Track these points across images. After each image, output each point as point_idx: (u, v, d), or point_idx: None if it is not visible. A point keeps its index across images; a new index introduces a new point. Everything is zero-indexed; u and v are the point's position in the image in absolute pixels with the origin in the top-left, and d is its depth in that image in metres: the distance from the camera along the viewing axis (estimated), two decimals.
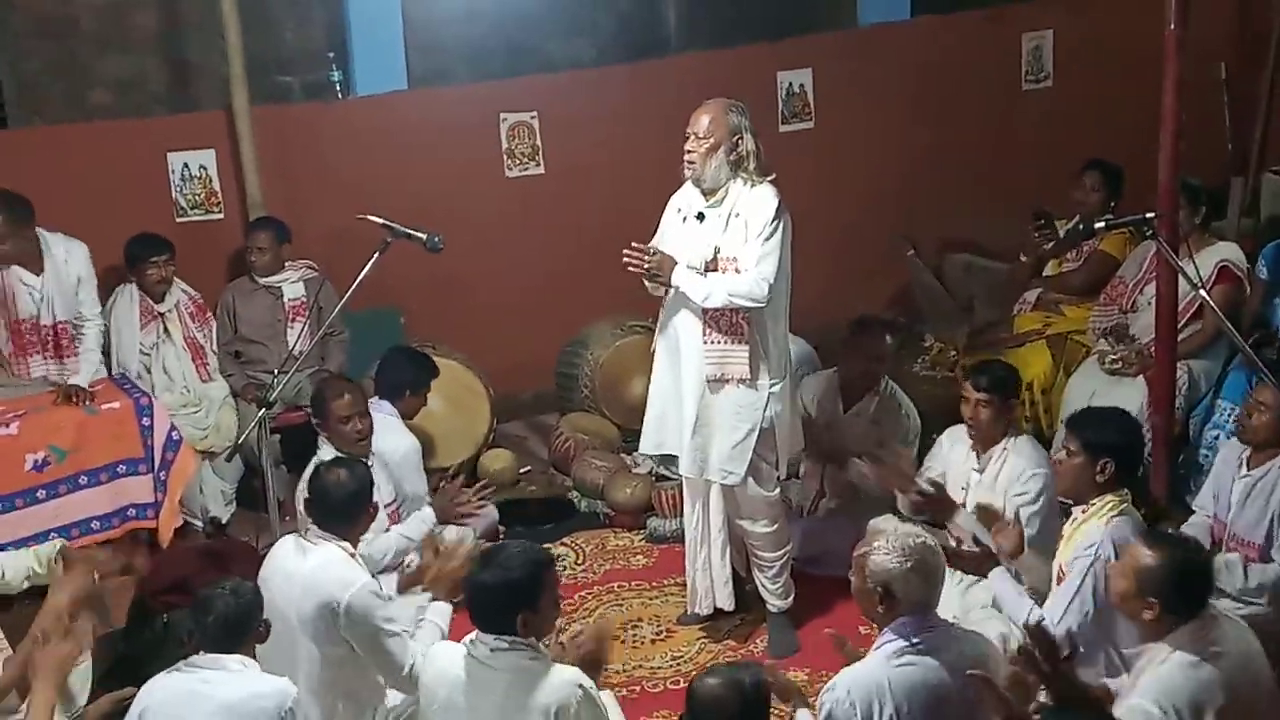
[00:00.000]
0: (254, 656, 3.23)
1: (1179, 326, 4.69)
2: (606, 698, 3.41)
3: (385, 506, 4.41)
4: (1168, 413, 4.57)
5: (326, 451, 4.47)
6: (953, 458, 4.38)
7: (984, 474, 4.24)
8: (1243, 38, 7.33)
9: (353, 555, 3.71)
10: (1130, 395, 4.89)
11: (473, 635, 3.20)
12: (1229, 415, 4.82)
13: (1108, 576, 3.25)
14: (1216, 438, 4.84)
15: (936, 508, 4.19)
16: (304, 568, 3.62)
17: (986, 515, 4.12)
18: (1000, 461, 4.21)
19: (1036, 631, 2.90)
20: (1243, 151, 7.07)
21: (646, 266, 3.99)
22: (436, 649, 3.35)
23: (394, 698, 3.69)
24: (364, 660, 3.54)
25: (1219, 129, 7.16)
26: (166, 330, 5.40)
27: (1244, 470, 4.14)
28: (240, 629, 3.19)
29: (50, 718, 3.26)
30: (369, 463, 4.44)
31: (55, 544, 4.00)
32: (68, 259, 4.97)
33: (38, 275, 4.94)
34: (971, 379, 4.34)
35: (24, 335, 4.99)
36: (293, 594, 3.56)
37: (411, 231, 4.19)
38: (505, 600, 3.11)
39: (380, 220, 4.18)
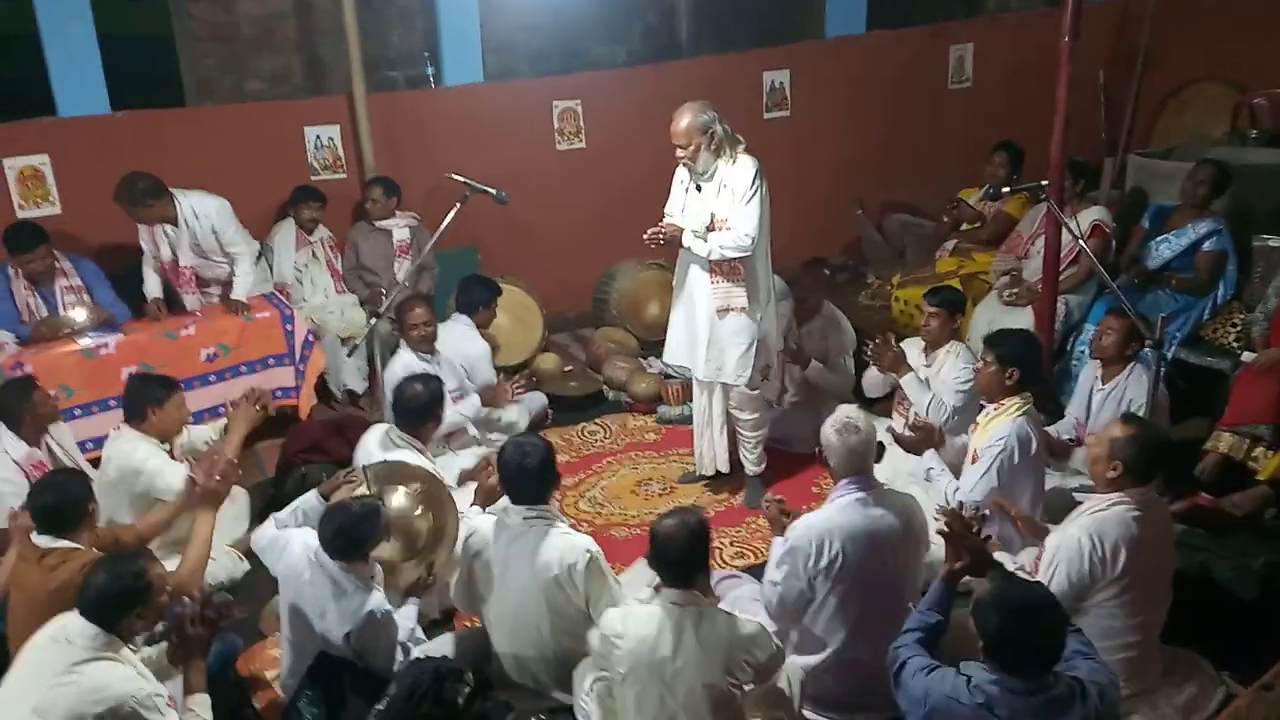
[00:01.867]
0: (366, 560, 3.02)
1: (1060, 270, 4.58)
2: None
3: (450, 394, 4.33)
4: (1049, 334, 4.49)
5: (404, 350, 4.46)
6: (909, 355, 4.27)
7: (931, 368, 4.17)
8: (1117, 52, 7.07)
9: (422, 452, 3.65)
10: (1021, 321, 4.77)
11: (505, 506, 3.12)
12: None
13: (1087, 445, 3.19)
14: (1083, 353, 4.75)
15: (897, 366, 4.11)
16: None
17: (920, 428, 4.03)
18: (943, 363, 4.14)
19: (952, 513, 2.77)
20: (1113, 139, 6.89)
21: (661, 241, 3.94)
22: (478, 521, 3.22)
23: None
24: None
25: (1096, 121, 6.95)
26: (314, 255, 5.40)
27: (1100, 385, 4.07)
28: (359, 542, 2.97)
29: (210, 539, 3.28)
30: (436, 363, 4.44)
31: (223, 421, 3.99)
32: (196, 214, 4.79)
33: (176, 228, 4.83)
34: (926, 297, 4.25)
35: (170, 273, 4.91)
36: None
37: (485, 187, 4.09)
38: (535, 480, 3.06)
39: (461, 178, 4.08)
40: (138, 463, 3.59)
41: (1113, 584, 2.83)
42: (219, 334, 4.69)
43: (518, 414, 4.77)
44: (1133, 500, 2.88)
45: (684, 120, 3.85)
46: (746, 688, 2.72)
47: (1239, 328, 4.64)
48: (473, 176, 4.14)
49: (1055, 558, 2.87)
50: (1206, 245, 4.79)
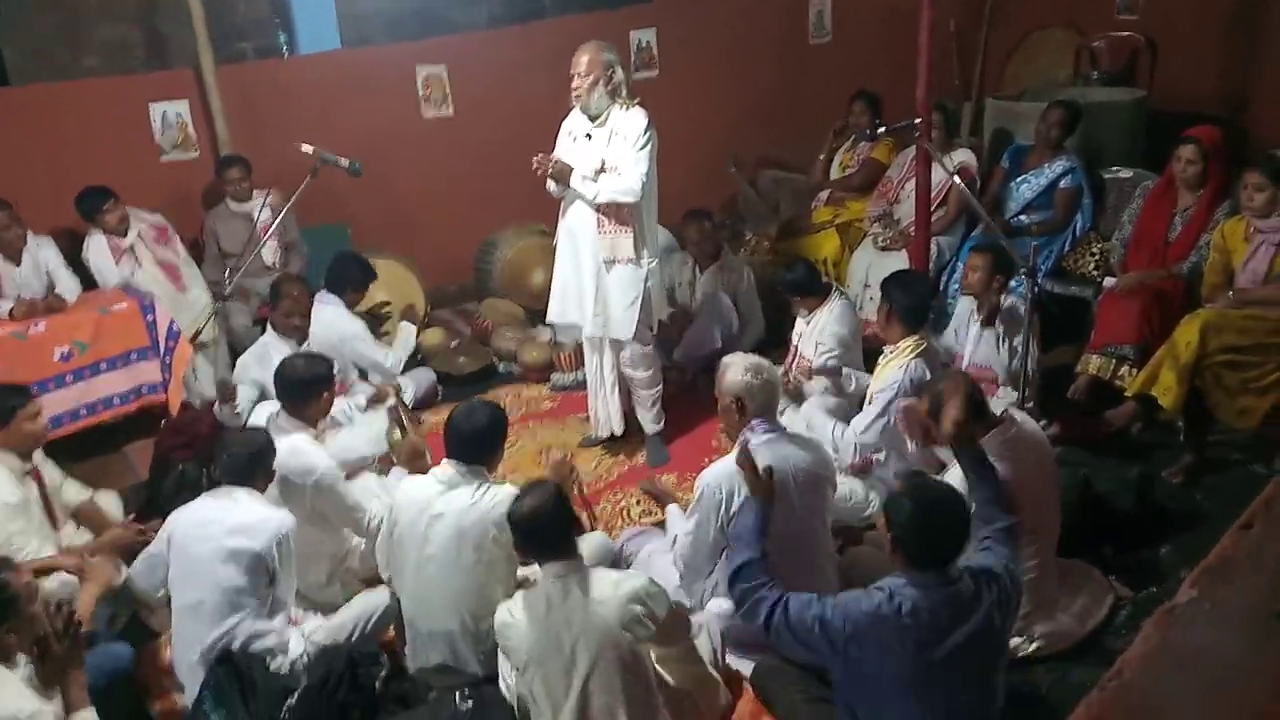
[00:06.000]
0: (262, 492, 3.01)
1: (930, 211, 4.71)
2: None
3: None
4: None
5: (270, 334, 4.28)
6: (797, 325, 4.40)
7: (808, 325, 4.27)
8: (966, 2, 7.31)
9: (315, 438, 3.44)
10: (896, 264, 4.89)
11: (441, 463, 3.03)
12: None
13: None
14: (957, 290, 4.93)
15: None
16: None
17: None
18: (818, 321, 4.24)
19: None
20: (967, 85, 7.13)
21: (550, 171, 3.85)
22: (405, 483, 3.12)
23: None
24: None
25: (950, 69, 7.19)
26: (136, 259, 4.83)
27: (976, 317, 4.21)
28: (255, 463, 2.98)
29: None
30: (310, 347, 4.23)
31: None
32: (38, 260, 4.62)
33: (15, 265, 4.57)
34: (775, 280, 4.36)
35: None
36: None
37: (335, 158, 3.91)
38: (477, 441, 3.01)
39: (309, 148, 3.89)
40: None
41: None
42: (73, 329, 4.33)
43: (405, 384, 4.63)
44: (994, 447, 2.86)
45: (588, 53, 3.81)
46: (654, 652, 2.66)
47: (1098, 256, 4.90)
48: (335, 149, 3.97)
49: None
50: (1063, 183, 5.01)
